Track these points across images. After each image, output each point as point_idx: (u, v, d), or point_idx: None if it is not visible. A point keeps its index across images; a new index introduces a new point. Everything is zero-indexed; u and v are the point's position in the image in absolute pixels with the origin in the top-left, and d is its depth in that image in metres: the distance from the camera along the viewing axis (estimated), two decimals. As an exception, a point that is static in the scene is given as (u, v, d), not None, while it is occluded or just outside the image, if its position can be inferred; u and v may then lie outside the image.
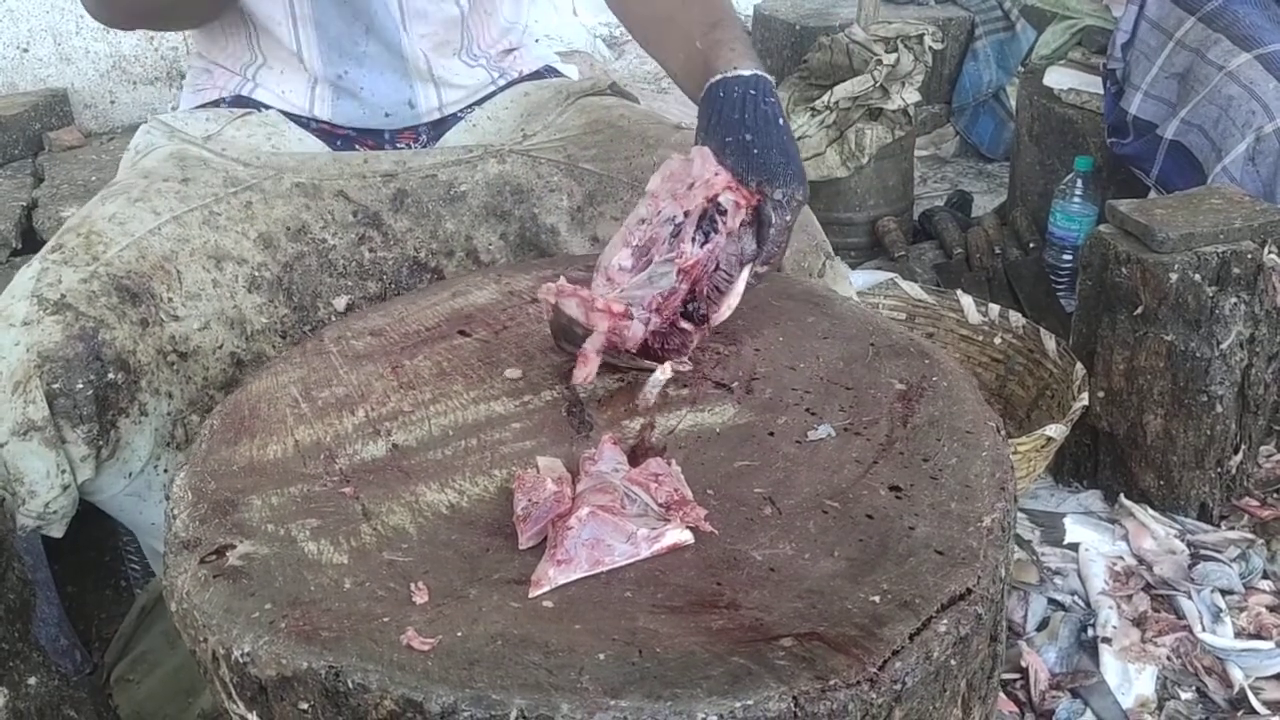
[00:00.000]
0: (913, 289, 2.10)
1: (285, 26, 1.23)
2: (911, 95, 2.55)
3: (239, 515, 0.78)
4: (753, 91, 0.99)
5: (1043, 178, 2.58)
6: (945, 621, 0.68)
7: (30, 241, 2.63)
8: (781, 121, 0.99)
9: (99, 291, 1.05)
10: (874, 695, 0.64)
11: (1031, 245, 2.51)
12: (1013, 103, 3.21)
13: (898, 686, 0.64)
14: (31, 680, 1.10)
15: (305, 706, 0.65)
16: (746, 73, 1.01)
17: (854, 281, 2.11)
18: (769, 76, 1.03)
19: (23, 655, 1.09)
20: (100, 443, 1.03)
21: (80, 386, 1.00)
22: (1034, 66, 2.73)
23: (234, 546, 0.75)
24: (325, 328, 1.10)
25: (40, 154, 3.19)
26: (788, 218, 0.96)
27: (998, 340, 2.00)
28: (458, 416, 0.91)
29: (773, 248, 0.96)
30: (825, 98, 2.53)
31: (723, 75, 1.02)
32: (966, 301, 2.03)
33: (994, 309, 2.02)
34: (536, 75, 1.44)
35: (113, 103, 3.52)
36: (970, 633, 0.69)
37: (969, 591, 0.70)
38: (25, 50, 3.40)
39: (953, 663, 0.68)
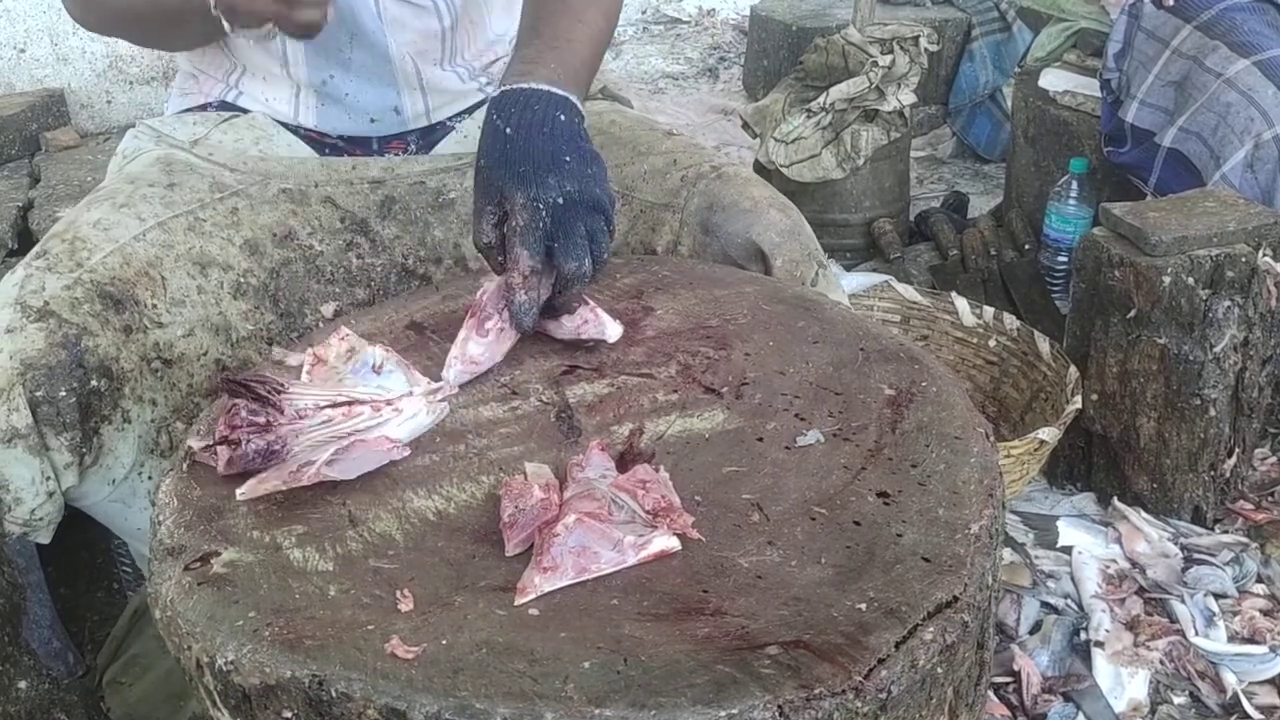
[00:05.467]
0: (907, 291, 2.10)
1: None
2: (907, 97, 2.55)
3: (224, 522, 0.78)
4: (492, 114, 0.99)
5: (1038, 179, 2.57)
6: (931, 629, 0.67)
7: (26, 242, 2.63)
8: (509, 131, 0.96)
9: (82, 298, 1.05)
10: (859, 704, 0.63)
11: (1027, 247, 2.51)
12: (1009, 104, 3.21)
13: (883, 695, 0.64)
14: (22, 684, 1.10)
15: (289, 715, 0.65)
16: (496, 92, 1.01)
17: (849, 284, 2.11)
18: (530, 85, 1.00)
19: (13, 659, 1.09)
20: (83, 450, 1.03)
21: (63, 394, 1.00)
22: (1029, 68, 2.73)
23: (218, 554, 0.75)
24: (315, 332, 1.10)
25: (37, 154, 3.19)
26: (523, 219, 0.93)
27: (992, 343, 2.00)
28: (445, 421, 0.91)
29: (517, 251, 0.94)
30: (821, 99, 2.53)
31: (495, 93, 1.02)
32: (961, 304, 2.03)
33: (988, 311, 2.02)
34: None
35: (109, 103, 3.52)
36: (957, 641, 0.69)
37: (956, 599, 0.70)
38: (22, 50, 3.40)
39: (939, 671, 0.68)
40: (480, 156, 0.98)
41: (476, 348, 0.96)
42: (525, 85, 1.00)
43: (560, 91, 1.00)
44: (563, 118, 0.99)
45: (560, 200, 0.95)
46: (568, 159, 0.96)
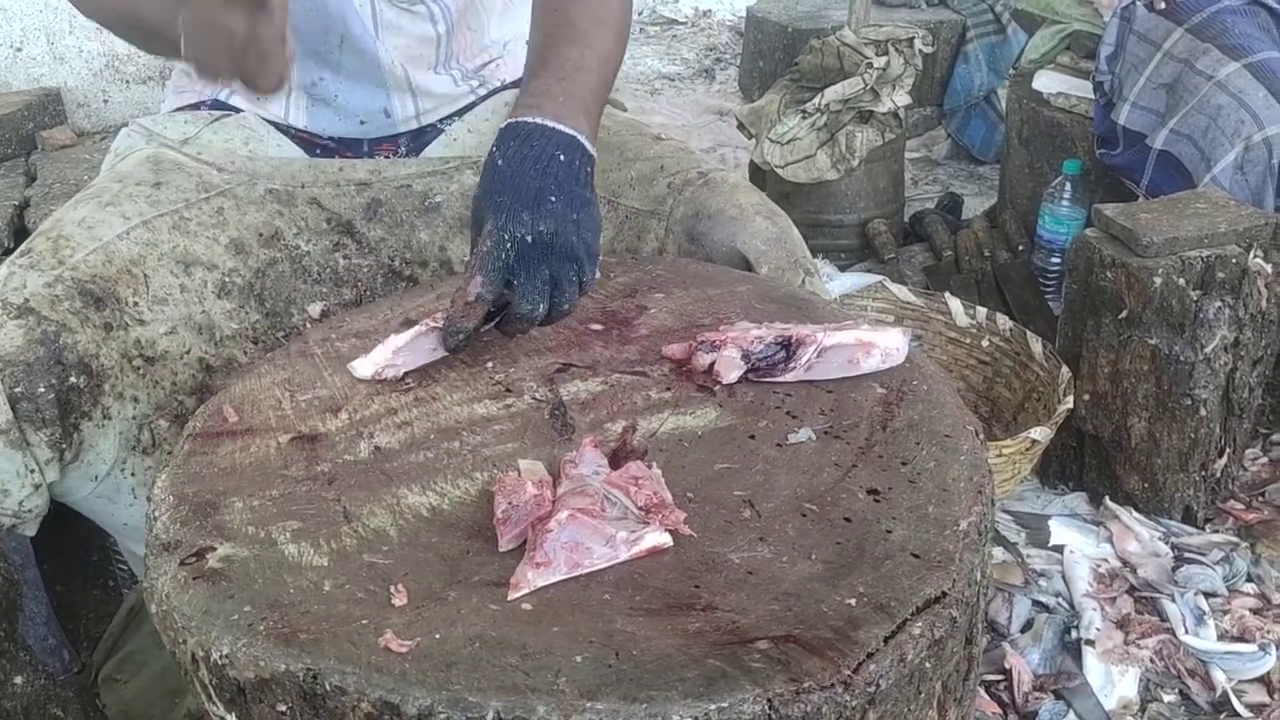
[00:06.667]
0: (901, 291, 2.11)
1: None
2: (902, 98, 2.56)
3: (219, 517, 0.79)
4: (494, 145, 1.00)
5: (1032, 181, 2.58)
6: (920, 624, 0.68)
7: (22, 241, 2.62)
8: (501, 164, 0.97)
9: (62, 295, 1.06)
10: (848, 698, 0.64)
11: (1020, 248, 2.52)
12: (1003, 106, 3.22)
13: (872, 689, 0.65)
14: (18, 679, 1.10)
15: (283, 708, 0.66)
16: (504, 124, 1.01)
17: (843, 284, 2.12)
18: (535, 120, 1.00)
19: (9, 655, 1.09)
20: (63, 446, 1.04)
21: (42, 390, 1.01)
22: (1023, 70, 2.74)
23: (214, 549, 0.75)
24: (311, 330, 1.10)
25: (33, 153, 3.19)
26: (487, 246, 0.93)
27: (985, 343, 2.01)
28: (440, 419, 0.91)
29: (472, 275, 0.94)
30: (816, 100, 2.54)
31: (505, 123, 1.02)
32: (954, 304, 2.04)
33: (981, 312, 2.02)
34: (520, 83, 1.43)
35: (105, 102, 3.52)
36: (945, 635, 0.70)
37: (944, 595, 0.70)
38: (19, 49, 3.40)
39: (927, 665, 0.69)
40: (478, 186, 0.99)
41: (384, 352, 0.97)
42: (531, 120, 1.00)
43: (566, 129, 0.99)
44: (562, 157, 0.98)
45: (529, 239, 0.93)
46: (553, 199, 0.95)
